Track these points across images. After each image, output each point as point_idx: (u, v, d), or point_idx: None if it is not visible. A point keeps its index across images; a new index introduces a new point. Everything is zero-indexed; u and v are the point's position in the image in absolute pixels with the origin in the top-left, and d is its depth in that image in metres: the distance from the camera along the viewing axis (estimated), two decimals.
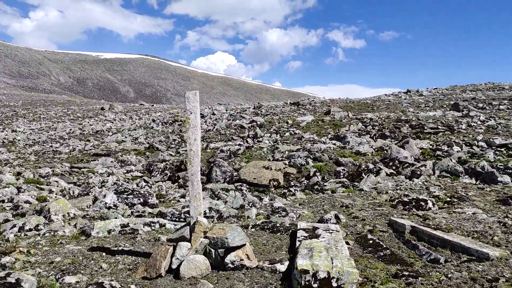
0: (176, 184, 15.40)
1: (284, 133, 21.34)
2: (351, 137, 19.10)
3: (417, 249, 5.90)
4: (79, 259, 5.71)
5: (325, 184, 12.91)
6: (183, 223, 7.24)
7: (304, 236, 6.13)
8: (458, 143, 15.91)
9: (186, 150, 4.92)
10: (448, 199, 8.51)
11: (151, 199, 10.73)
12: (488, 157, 13.14)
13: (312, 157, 15.67)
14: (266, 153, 17.31)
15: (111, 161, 18.87)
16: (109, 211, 9.32)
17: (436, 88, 48.78)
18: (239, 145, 19.36)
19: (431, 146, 16.24)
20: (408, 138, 16.00)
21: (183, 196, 12.20)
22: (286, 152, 16.56)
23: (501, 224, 6.53)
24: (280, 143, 19.23)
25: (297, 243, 5.78)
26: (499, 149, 14.84)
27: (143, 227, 7.45)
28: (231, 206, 9.29)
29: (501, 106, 25.75)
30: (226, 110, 35.18)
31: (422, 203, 8.14)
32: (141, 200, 10.50)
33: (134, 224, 7.46)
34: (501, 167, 11.77)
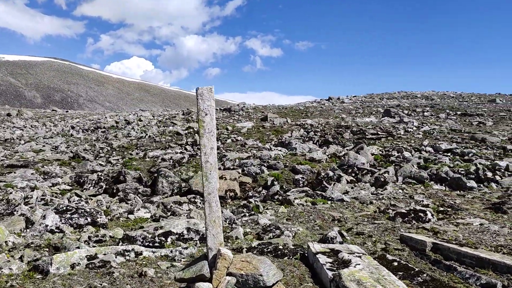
0: (117, 198, 13.58)
1: (226, 140, 20.23)
2: (296, 144, 18.56)
3: (456, 271, 5.18)
4: None
5: (287, 194, 12.06)
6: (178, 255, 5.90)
7: (330, 263, 5.13)
8: (407, 148, 16.05)
9: (201, 160, 3.77)
10: (441, 208, 8.08)
11: (100, 217, 9.04)
12: (445, 162, 13.24)
13: (266, 165, 14.78)
14: None
15: (31, 173, 16.28)
16: (54, 236, 7.55)
17: (356, 96, 50.83)
18: (181, 153, 17.86)
19: (380, 152, 16.20)
20: (362, 144, 15.80)
21: (131, 212, 10.60)
22: (237, 160, 15.48)
23: None
24: (223, 150, 18.09)
25: (328, 274, 4.75)
26: (445, 153, 15.17)
27: (115, 257, 5.93)
28: None
29: (425, 113, 27.09)
30: (153, 116, 33.13)
31: (421, 214, 7.58)
32: (89, 219, 8.77)
33: (104, 254, 5.90)
34: (462, 172, 11.82)
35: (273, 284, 4.17)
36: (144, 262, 5.85)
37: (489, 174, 11.21)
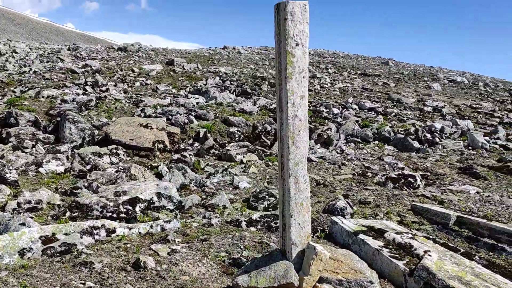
0: (10, 145, 10.89)
1: (133, 83, 17.79)
2: (214, 92, 17.09)
3: (505, 252, 4.68)
4: None
5: (228, 149, 10.83)
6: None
7: (385, 248, 4.18)
8: (333, 104, 15.78)
9: (277, 115, 2.50)
10: (420, 172, 7.69)
11: (9, 172, 6.88)
12: (380, 121, 13.20)
13: (193, 114, 13.18)
14: (129, 107, 13.87)
15: None
16: None
17: (251, 47, 49.98)
18: (84, 94, 15.07)
19: (308, 107, 15.67)
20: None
21: (38, 165, 8.49)
22: (158, 107, 13.54)
23: None
24: (134, 95, 15.85)
25: (399, 265, 3.78)
26: (369, 112, 15.28)
27: (81, 237, 4.20)
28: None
29: (329, 70, 27.49)
30: (30, 49, 28.14)
31: (411, 180, 7.07)
32: None
33: (66, 234, 4.12)
34: (402, 132, 11.83)
35: None
36: (126, 244, 4.25)
37: (428, 136, 11.35)
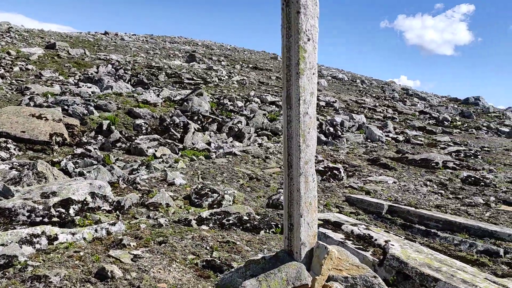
0: None
1: (11, 68, 15.71)
2: (109, 82, 15.97)
3: (438, 237, 5.19)
4: None
5: (138, 142, 10.24)
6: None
7: (348, 240, 4.34)
8: (236, 97, 15.88)
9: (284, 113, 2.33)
10: (338, 164, 8.15)
11: None
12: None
13: (93, 105, 12.11)
14: (13, 95, 12.19)
15: None
16: None
17: (136, 35, 47.74)
18: None
19: (210, 99, 15.53)
20: (201, 90, 14.73)
21: None
22: (50, 97, 12.16)
23: (438, 194, 6.68)
24: (14, 81, 14.03)
25: (367, 256, 3.98)
26: (271, 105, 15.75)
27: (21, 247, 3.57)
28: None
29: (222, 63, 27.62)
30: None
31: (336, 172, 7.44)
32: None
33: (3, 245, 3.45)
34: None
35: None
36: (77, 253, 3.74)
37: (332, 129, 12.09)
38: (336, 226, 4.68)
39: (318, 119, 12.95)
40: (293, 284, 2.73)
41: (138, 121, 11.77)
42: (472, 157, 10.18)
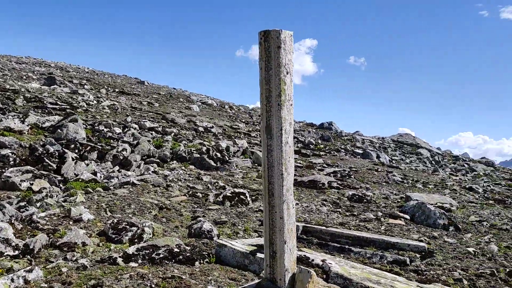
0: None
1: None
2: None
3: (352, 252, 5.67)
4: None
5: (7, 175, 9.04)
6: None
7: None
8: (113, 123, 15.05)
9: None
10: (241, 189, 8.35)
11: None
12: (169, 140, 13.42)
13: None
14: None
15: None
16: None
17: None
18: None
19: (84, 126, 14.43)
20: (75, 115, 13.53)
21: None
22: None
23: (337, 212, 7.34)
24: None
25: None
26: (150, 131, 15.36)
27: None
28: None
29: (85, 86, 25.97)
30: None
31: (243, 197, 7.59)
32: None
33: None
34: (195, 152, 12.40)
35: None
36: None
37: (219, 155, 12.31)
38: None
39: (204, 145, 13.05)
40: None
41: (4, 151, 10.32)
42: (347, 177, 11.39)
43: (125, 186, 7.91)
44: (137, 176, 9.04)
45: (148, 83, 34.38)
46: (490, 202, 9.99)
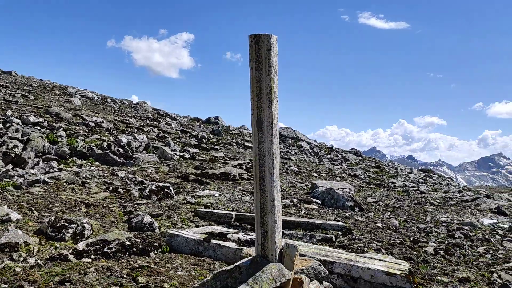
0: None
1: None
2: None
3: (285, 234, 6.24)
4: None
5: None
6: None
7: (239, 244, 4.86)
8: None
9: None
10: (161, 183, 8.40)
11: None
12: (63, 137, 12.58)
13: None
14: None
15: None
16: None
17: None
18: None
19: None
20: None
21: None
22: None
23: None
24: None
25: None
26: (35, 126, 14.19)
27: None
28: None
29: None
30: None
31: (167, 190, 7.66)
32: None
33: None
34: (94, 147, 11.86)
35: None
36: None
37: (121, 150, 11.99)
38: (223, 236, 5.13)
39: (104, 140, 12.54)
40: (279, 281, 3.16)
41: None
42: (251, 168, 12.05)
43: (36, 184, 7.35)
44: (45, 174, 8.43)
45: (16, 73, 31.00)
46: (372, 186, 11.54)
